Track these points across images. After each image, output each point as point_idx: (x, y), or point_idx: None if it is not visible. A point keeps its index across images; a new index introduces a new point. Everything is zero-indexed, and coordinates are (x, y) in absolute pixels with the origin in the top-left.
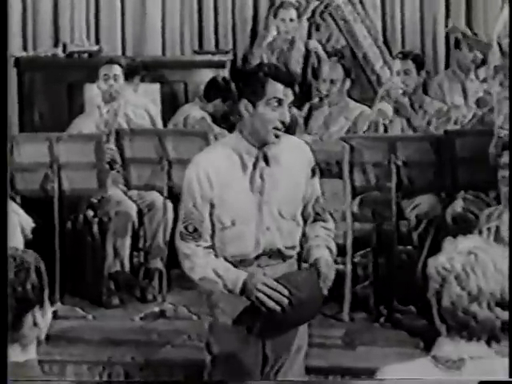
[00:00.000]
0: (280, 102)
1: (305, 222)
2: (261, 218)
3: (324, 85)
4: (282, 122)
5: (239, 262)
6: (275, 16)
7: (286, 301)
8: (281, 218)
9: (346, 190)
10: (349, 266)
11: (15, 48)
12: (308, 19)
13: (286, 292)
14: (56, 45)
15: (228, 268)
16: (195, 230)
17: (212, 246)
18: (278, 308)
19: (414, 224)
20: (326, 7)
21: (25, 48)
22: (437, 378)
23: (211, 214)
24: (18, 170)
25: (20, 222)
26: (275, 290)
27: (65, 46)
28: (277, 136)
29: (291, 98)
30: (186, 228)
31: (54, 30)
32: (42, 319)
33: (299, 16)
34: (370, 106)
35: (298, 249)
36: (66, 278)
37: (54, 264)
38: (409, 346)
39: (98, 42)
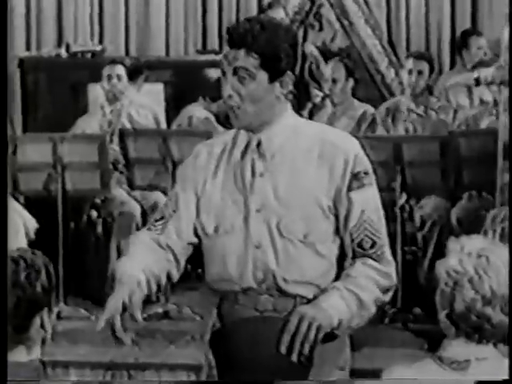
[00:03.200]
0: (223, 65)
1: (348, 256)
2: (248, 230)
3: (326, 84)
4: (224, 98)
5: (225, 297)
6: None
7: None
8: (279, 235)
9: None
10: None
11: (19, 48)
12: (302, 21)
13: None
14: (59, 45)
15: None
16: (162, 217)
17: (173, 251)
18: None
19: (419, 225)
20: (319, 7)
21: (28, 48)
22: (439, 378)
23: (197, 214)
24: (21, 171)
25: (24, 222)
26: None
27: (68, 46)
28: (236, 117)
29: (236, 63)
30: (155, 216)
31: (58, 30)
32: (48, 321)
33: (287, 16)
34: (374, 106)
35: (316, 290)
36: (69, 279)
37: (58, 265)
38: (413, 347)
39: (101, 41)
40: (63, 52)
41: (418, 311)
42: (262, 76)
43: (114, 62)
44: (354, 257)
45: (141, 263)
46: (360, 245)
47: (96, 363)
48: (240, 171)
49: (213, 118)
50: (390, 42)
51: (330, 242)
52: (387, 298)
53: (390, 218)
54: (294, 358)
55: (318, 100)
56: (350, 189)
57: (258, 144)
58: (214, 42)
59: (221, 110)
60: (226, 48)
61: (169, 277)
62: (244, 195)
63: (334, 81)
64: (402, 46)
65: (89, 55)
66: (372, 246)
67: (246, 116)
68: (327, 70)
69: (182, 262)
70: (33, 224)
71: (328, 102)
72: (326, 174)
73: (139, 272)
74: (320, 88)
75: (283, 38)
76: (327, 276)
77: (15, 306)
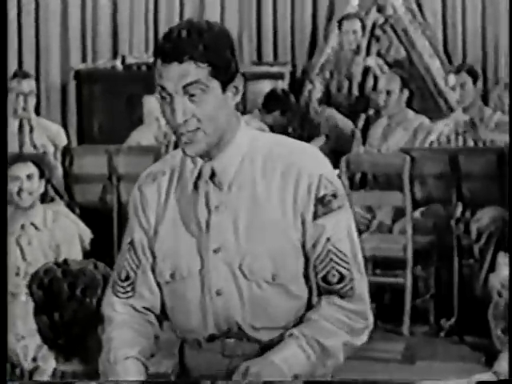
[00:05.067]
0: (165, 91)
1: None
2: (206, 274)
3: (381, 96)
4: (176, 123)
5: (196, 346)
6: (340, 28)
7: None
8: (243, 277)
9: (406, 203)
10: (409, 279)
11: (75, 61)
12: (369, 31)
13: None
14: (115, 57)
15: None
16: (127, 277)
17: (151, 310)
18: None
19: (475, 237)
20: (386, 20)
21: (84, 60)
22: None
23: (153, 259)
24: (77, 182)
25: (79, 233)
26: None
27: (124, 58)
28: (192, 142)
29: (184, 81)
30: (118, 274)
31: (113, 43)
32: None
33: (363, 28)
34: (430, 117)
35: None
36: None
37: None
38: (470, 361)
39: None
40: (119, 64)
41: (475, 325)
42: (215, 86)
43: None
44: (320, 294)
45: (140, 348)
46: (325, 279)
47: (152, 374)
48: (192, 207)
49: (267, 130)
50: (447, 53)
51: (301, 281)
52: (360, 341)
53: (446, 231)
54: None
55: (371, 112)
56: (315, 216)
57: (212, 174)
58: (268, 53)
59: (276, 121)
60: (160, 70)
61: (156, 336)
62: (198, 234)
63: (389, 92)
64: (458, 57)
65: (144, 67)
66: (340, 281)
67: (206, 139)
68: (382, 81)
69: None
70: (88, 234)
71: (383, 113)
72: (291, 202)
73: (140, 368)
74: (375, 99)
75: (224, 40)
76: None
77: (71, 318)
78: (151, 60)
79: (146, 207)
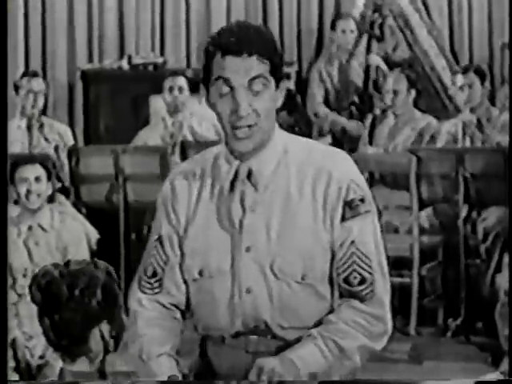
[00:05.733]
0: (227, 82)
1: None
2: (237, 272)
3: (387, 96)
4: (238, 116)
5: (219, 343)
6: (333, 28)
7: None
8: (273, 277)
9: (412, 202)
10: (415, 279)
11: (81, 61)
12: (367, 31)
13: None
14: (121, 57)
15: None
16: (154, 273)
17: (177, 306)
18: None
19: (482, 237)
20: (384, 19)
21: (90, 60)
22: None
23: (182, 256)
24: (83, 182)
25: (86, 233)
26: None
27: (130, 59)
28: (245, 138)
29: (250, 74)
30: (144, 271)
31: (119, 43)
32: (108, 333)
33: (358, 28)
34: (437, 117)
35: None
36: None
37: (119, 276)
38: (477, 361)
39: (162, 53)
40: (125, 64)
41: (481, 325)
42: (272, 83)
43: (175, 73)
44: (341, 296)
45: (171, 345)
46: (347, 280)
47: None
48: (227, 205)
49: None
50: (453, 52)
51: (329, 282)
52: (378, 345)
53: (452, 231)
54: None
55: (379, 111)
56: (343, 218)
57: (249, 174)
58: None
59: (283, 121)
60: (222, 63)
61: (182, 332)
62: (231, 233)
63: (396, 92)
64: (464, 56)
65: (150, 67)
66: (361, 283)
67: (260, 135)
68: (389, 81)
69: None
70: (94, 234)
71: (390, 113)
72: (321, 205)
73: (173, 364)
74: (382, 99)
75: (275, 40)
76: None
77: (70, 319)
78: (157, 60)
79: (176, 204)
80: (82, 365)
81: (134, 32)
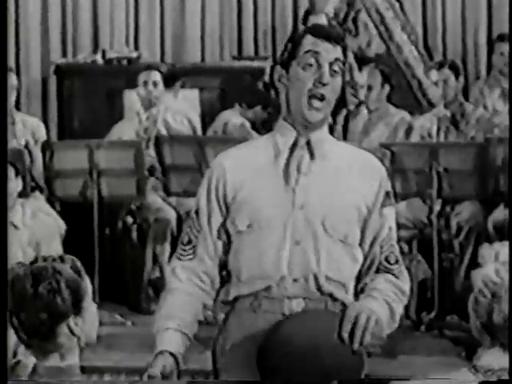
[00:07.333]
0: (316, 56)
1: (367, 269)
2: (289, 225)
3: (361, 91)
4: (321, 84)
5: (263, 296)
6: (305, 23)
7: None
8: (325, 232)
9: None
10: None
11: (55, 55)
12: (340, 26)
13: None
14: (95, 51)
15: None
16: (189, 241)
17: (208, 274)
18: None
19: (455, 231)
20: (357, 13)
21: (64, 55)
22: None
23: (225, 221)
24: (57, 177)
25: (59, 227)
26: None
27: (104, 53)
28: (317, 109)
29: (334, 55)
30: (181, 239)
31: (94, 37)
32: (77, 328)
33: (330, 23)
34: (411, 112)
35: (347, 296)
36: (104, 285)
37: (93, 270)
38: (451, 355)
39: (137, 48)
40: (99, 58)
41: (455, 319)
42: (341, 74)
43: (149, 68)
44: (377, 271)
45: (181, 320)
46: (387, 259)
47: (131, 369)
48: (284, 167)
49: (248, 125)
50: (427, 48)
51: (360, 250)
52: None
53: (426, 225)
54: (356, 346)
55: (353, 107)
56: (383, 205)
57: (308, 143)
58: (249, 48)
59: (257, 116)
60: (315, 42)
61: (205, 306)
62: (286, 191)
63: (370, 87)
64: (438, 51)
65: (125, 61)
66: (396, 262)
67: (327, 110)
68: (363, 76)
69: (217, 280)
70: (63, 226)
71: (363, 108)
72: (365, 187)
73: (177, 339)
74: (355, 94)
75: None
76: (353, 282)
77: (36, 316)
78: (132, 54)
79: (222, 180)
80: (54, 360)
81: (108, 26)
